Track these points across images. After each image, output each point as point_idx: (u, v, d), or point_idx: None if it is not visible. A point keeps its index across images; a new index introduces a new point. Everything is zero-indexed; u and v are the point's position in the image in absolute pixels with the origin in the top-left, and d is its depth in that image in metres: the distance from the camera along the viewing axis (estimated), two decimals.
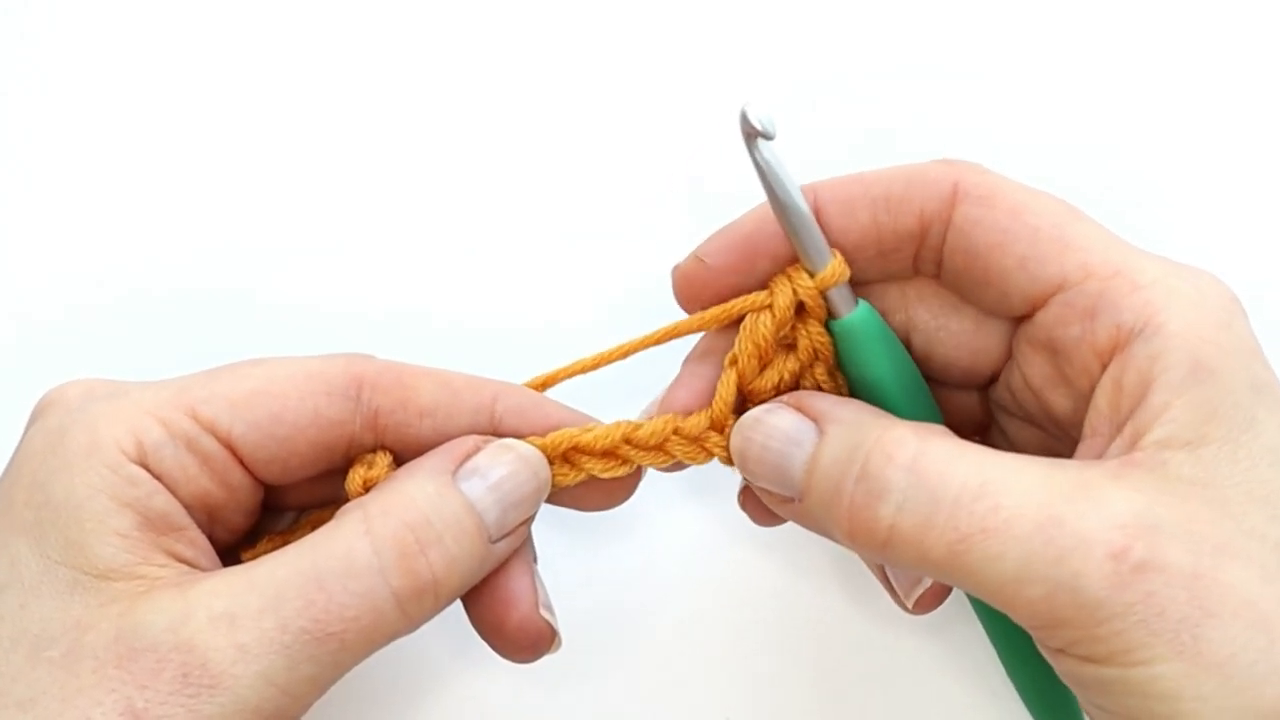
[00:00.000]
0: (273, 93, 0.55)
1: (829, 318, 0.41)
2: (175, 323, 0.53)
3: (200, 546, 0.39)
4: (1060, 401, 0.40)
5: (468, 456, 0.41)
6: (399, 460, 0.42)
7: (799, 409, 0.40)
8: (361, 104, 0.55)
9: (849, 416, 0.39)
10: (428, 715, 0.51)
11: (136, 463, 0.38)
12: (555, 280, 0.53)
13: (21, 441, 0.40)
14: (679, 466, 0.43)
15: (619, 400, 0.46)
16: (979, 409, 0.44)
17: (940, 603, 0.44)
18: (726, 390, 0.42)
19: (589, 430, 0.42)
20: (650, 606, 0.50)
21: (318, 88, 0.55)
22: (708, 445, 0.42)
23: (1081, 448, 0.38)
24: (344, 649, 0.36)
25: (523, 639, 0.42)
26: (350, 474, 0.41)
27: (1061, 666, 0.35)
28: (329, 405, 0.40)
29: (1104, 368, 0.37)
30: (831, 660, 0.50)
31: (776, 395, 0.42)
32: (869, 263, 0.41)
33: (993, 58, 0.55)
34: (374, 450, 0.42)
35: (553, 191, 0.54)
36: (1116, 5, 0.55)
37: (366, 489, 0.41)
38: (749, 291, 0.42)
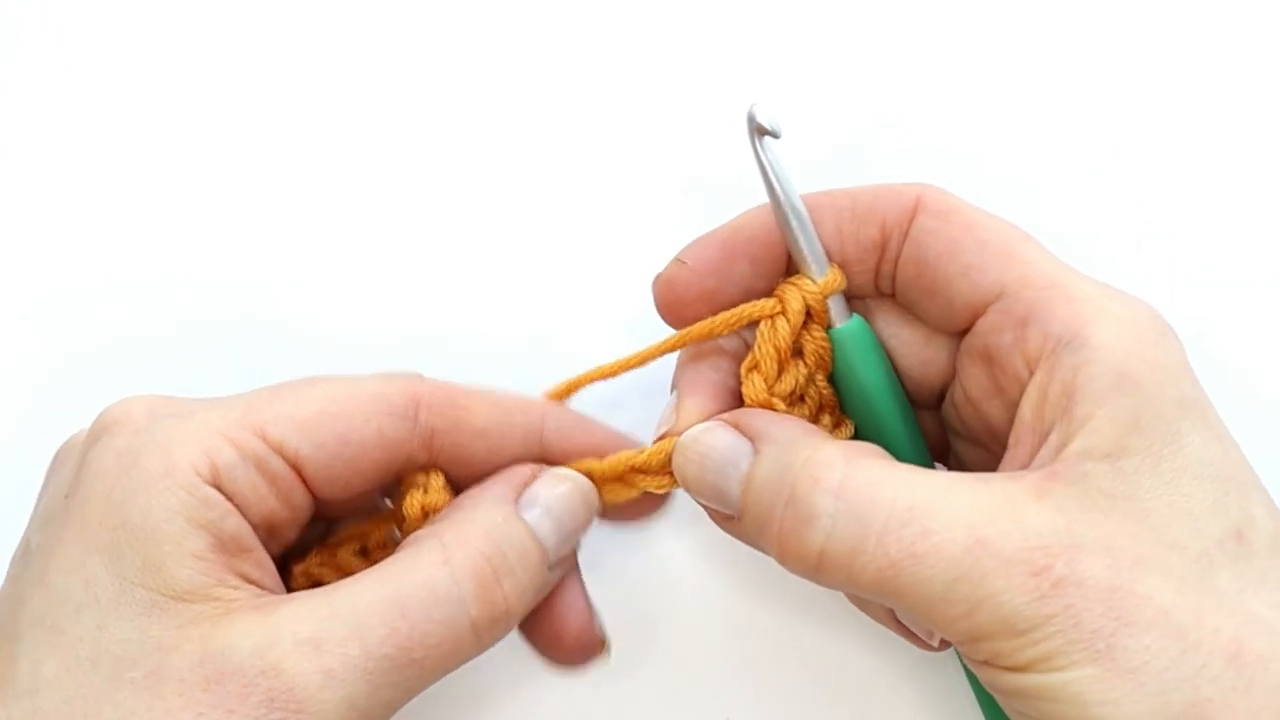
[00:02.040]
0: (315, 126, 0.55)
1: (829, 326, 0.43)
2: (223, 344, 0.53)
3: (265, 568, 0.40)
4: (996, 413, 0.41)
5: (526, 485, 0.42)
6: (450, 479, 0.43)
7: (736, 426, 0.41)
8: (393, 137, 0.55)
9: (782, 435, 0.39)
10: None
11: (211, 484, 0.38)
12: (566, 291, 0.54)
13: (89, 459, 0.39)
14: None
15: (632, 405, 0.48)
16: (938, 431, 0.45)
17: None
18: (756, 392, 0.42)
19: (642, 452, 0.43)
20: (651, 607, 0.51)
21: (352, 121, 0.55)
22: None
23: (1006, 457, 0.39)
24: (422, 674, 0.38)
25: (578, 650, 0.44)
26: (408, 499, 0.42)
27: (984, 675, 0.36)
28: (391, 426, 0.41)
29: (1035, 371, 0.38)
30: (832, 660, 0.50)
31: (790, 402, 0.43)
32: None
33: (980, 74, 0.56)
34: (425, 470, 0.43)
35: (566, 203, 0.55)
36: (1105, 22, 0.56)
37: (425, 514, 0.42)
38: (728, 296, 0.43)
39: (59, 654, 0.36)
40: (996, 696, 0.37)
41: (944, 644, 0.45)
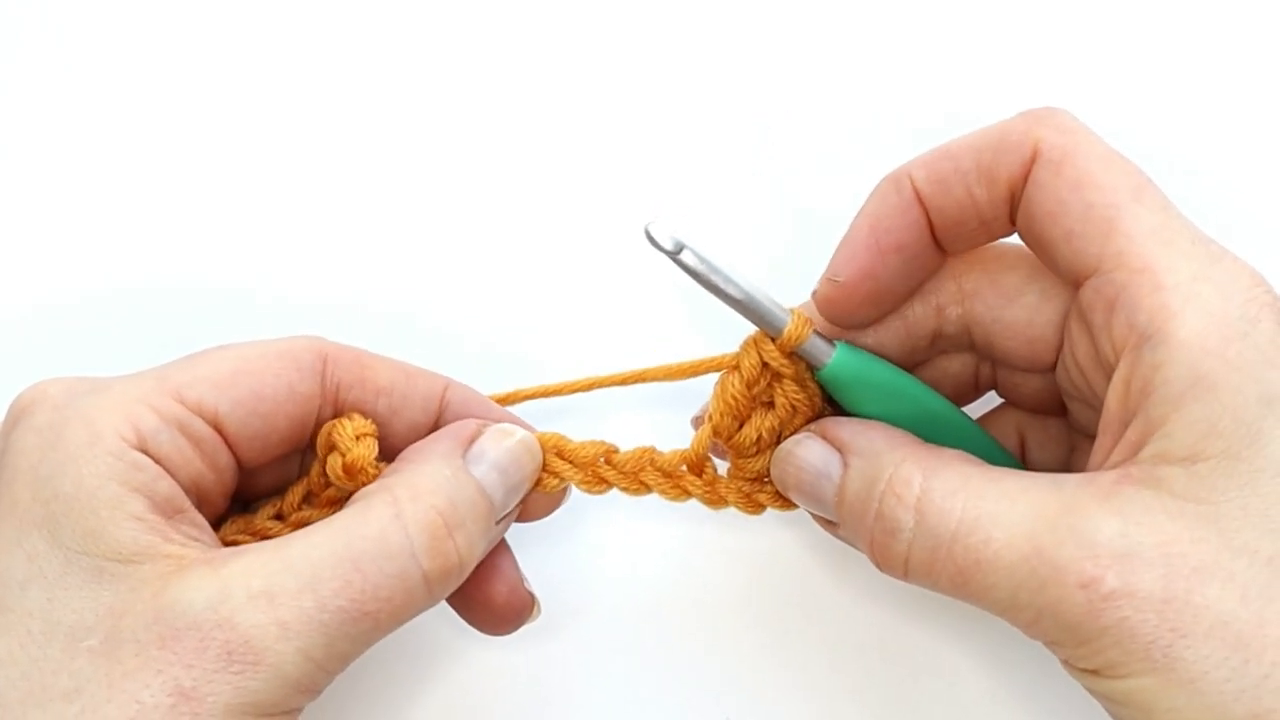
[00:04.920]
0: (259, 98, 0.55)
1: (815, 369, 0.43)
2: (132, 323, 0.53)
3: (201, 526, 0.40)
4: (1101, 383, 0.40)
5: (472, 440, 0.43)
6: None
7: (823, 437, 0.42)
8: (353, 110, 0.55)
9: (867, 446, 0.41)
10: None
11: (137, 449, 0.39)
12: (541, 306, 0.54)
13: (10, 441, 0.39)
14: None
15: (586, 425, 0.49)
16: (1052, 392, 0.45)
17: None
18: (698, 442, 0.44)
19: (569, 440, 0.45)
20: (651, 607, 0.51)
21: (306, 92, 0.55)
22: (684, 484, 0.45)
23: (1095, 445, 0.39)
24: (376, 627, 0.38)
25: (509, 611, 0.45)
26: (329, 461, 0.43)
27: (1075, 678, 0.37)
28: (301, 381, 0.42)
29: (1119, 361, 0.38)
30: (831, 661, 0.51)
31: (759, 448, 0.44)
32: (973, 233, 0.42)
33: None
34: (340, 421, 0.43)
35: (551, 213, 0.55)
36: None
37: (350, 473, 0.43)
38: (890, 290, 0.43)
39: (9, 633, 0.36)
40: (1094, 699, 0.38)
41: None
